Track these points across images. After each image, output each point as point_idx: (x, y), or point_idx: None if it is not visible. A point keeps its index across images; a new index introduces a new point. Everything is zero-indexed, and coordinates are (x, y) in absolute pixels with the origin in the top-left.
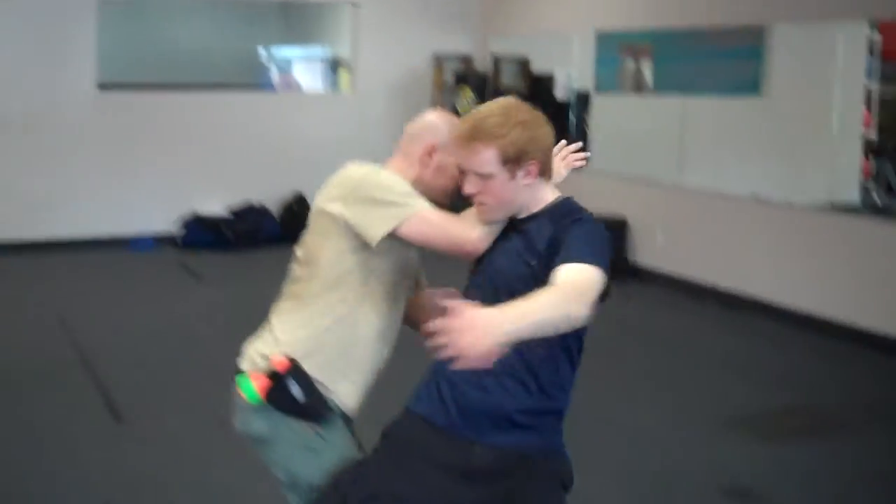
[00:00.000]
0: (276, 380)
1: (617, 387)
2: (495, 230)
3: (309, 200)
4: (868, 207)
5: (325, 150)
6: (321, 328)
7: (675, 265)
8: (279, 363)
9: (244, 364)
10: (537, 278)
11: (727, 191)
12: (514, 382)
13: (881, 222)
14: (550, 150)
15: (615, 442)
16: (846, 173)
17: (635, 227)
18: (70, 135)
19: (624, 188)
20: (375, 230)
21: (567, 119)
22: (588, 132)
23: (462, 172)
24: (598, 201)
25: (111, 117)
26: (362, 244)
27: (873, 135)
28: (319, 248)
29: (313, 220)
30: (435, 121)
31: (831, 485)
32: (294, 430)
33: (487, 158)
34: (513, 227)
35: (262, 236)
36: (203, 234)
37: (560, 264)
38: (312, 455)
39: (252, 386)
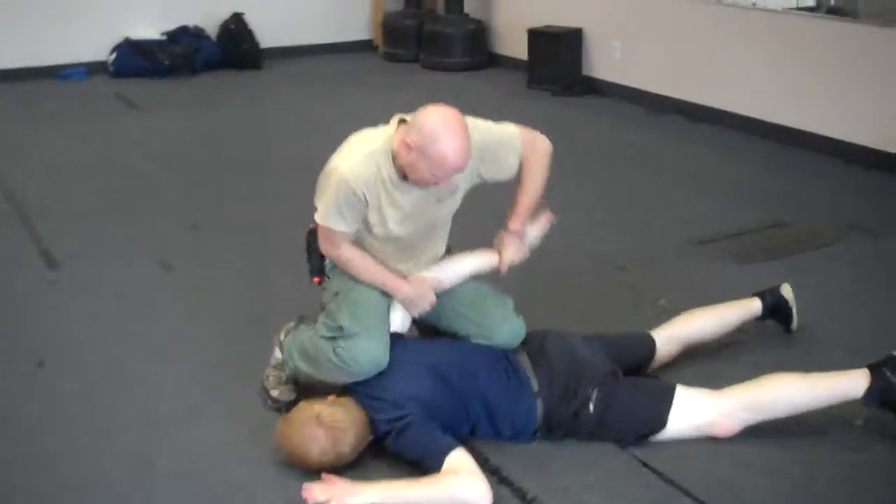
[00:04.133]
0: None
1: (579, 205)
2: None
3: (248, 20)
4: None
5: None
6: None
7: (635, 78)
8: None
9: None
10: None
11: None
12: None
13: (847, 24)
14: None
15: (580, 264)
16: None
17: (591, 38)
18: None
19: None
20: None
21: None
22: None
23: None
24: (552, 13)
25: None
26: None
27: None
28: None
29: None
30: (428, 122)
31: (808, 298)
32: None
33: None
34: None
35: (200, 61)
36: (137, 60)
37: None
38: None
39: None
